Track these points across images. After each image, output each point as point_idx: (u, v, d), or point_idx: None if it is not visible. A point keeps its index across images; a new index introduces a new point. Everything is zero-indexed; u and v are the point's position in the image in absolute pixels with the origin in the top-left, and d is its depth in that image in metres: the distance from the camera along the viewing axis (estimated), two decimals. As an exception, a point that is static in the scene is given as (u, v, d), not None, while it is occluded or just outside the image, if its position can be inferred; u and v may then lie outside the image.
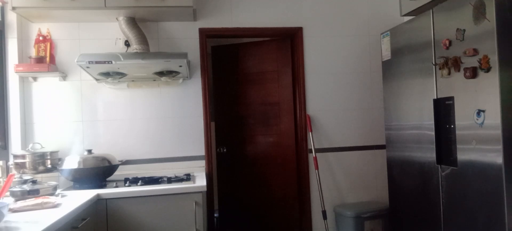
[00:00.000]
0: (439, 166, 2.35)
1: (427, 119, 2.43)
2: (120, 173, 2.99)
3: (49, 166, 2.81)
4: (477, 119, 2.03)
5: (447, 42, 2.20)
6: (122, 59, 2.67)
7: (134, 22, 2.99)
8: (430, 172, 2.42)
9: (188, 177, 2.86)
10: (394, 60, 2.76)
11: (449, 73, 2.21)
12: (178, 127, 3.20)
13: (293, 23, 3.40)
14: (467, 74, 2.06)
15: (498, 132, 1.92)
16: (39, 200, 2.11)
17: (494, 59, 1.92)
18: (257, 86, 3.76)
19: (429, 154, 2.42)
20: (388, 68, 2.84)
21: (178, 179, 2.79)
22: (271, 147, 3.71)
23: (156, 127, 3.18)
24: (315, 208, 3.40)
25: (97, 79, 3.04)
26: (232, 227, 3.88)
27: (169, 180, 2.76)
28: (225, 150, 3.89)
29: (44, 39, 3.01)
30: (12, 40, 2.91)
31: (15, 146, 2.90)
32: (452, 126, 2.22)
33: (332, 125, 3.44)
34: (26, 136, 3.00)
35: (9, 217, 1.91)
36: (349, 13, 3.48)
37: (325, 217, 3.32)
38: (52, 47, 3.03)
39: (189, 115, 3.22)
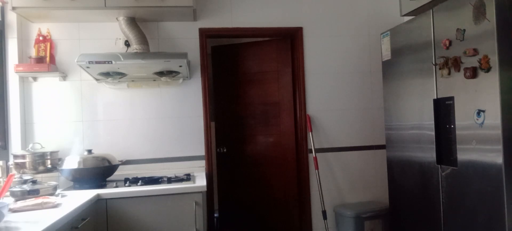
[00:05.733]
0: (439, 166, 2.35)
1: (427, 119, 2.43)
2: (120, 173, 2.99)
3: (49, 166, 2.81)
4: (477, 119, 2.03)
5: (447, 42, 2.20)
6: (122, 59, 2.67)
7: (134, 22, 2.99)
8: (430, 172, 2.42)
9: (188, 177, 2.86)
10: (394, 60, 2.76)
11: (449, 73, 2.21)
12: (178, 127, 3.20)
13: (293, 23, 3.40)
14: (467, 74, 2.06)
15: (498, 132, 1.92)
16: (39, 200, 2.11)
17: (494, 59, 1.92)
18: (257, 86, 3.76)
19: (429, 154, 2.42)
20: (388, 68, 2.84)
21: (178, 179, 2.79)
22: (271, 147, 3.71)
23: (156, 127, 3.18)
24: (315, 208, 3.40)
25: (97, 79, 3.04)
26: (232, 227, 3.88)
27: (169, 180, 2.76)
28: (225, 150, 3.89)
29: (44, 39, 3.01)
30: (12, 40, 2.91)
31: (15, 146, 2.90)
32: (452, 126, 2.22)
33: (332, 125, 3.44)
34: (26, 136, 3.00)
35: (9, 217, 1.91)
36: (349, 13, 3.48)
37: (325, 217, 3.32)
38: (52, 47, 3.03)
39: (189, 115, 3.22)
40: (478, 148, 2.04)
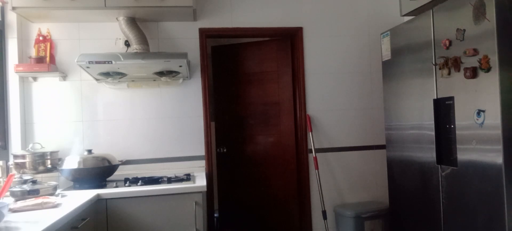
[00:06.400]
0: (439, 166, 2.35)
1: (427, 119, 2.43)
2: (120, 173, 2.99)
3: (49, 166, 2.81)
4: (477, 119, 2.03)
5: (447, 42, 2.20)
6: (122, 59, 2.67)
7: (134, 22, 2.99)
8: (430, 172, 2.42)
9: (188, 177, 2.86)
10: (394, 60, 2.76)
11: (449, 73, 2.21)
12: (178, 127, 3.20)
13: (293, 23, 3.40)
14: (467, 74, 2.06)
15: (498, 132, 1.92)
16: (39, 200, 2.11)
17: (494, 59, 1.92)
18: (257, 86, 3.76)
19: (429, 154, 2.42)
20: (388, 68, 2.84)
21: (178, 179, 2.79)
22: (271, 147, 3.71)
23: (156, 127, 3.18)
24: (315, 208, 3.40)
25: (97, 79, 3.05)
26: (232, 227, 3.88)
27: (169, 180, 2.76)
28: (225, 150, 3.89)
29: (44, 39, 3.01)
30: (12, 40, 2.91)
31: (15, 146, 2.90)
32: (452, 126, 2.22)
33: (332, 125, 3.44)
34: (26, 136, 3.00)
35: (9, 217, 1.91)
36: (349, 13, 3.48)
37: (325, 217, 3.32)
38: (52, 47, 3.03)
39: (189, 115, 3.22)
40: (478, 148, 2.04)
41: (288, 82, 3.60)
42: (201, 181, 2.69)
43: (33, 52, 2.99)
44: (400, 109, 2.72)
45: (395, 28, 2.75)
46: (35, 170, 2.77)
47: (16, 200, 2.21)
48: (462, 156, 2.15)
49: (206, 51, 3.29)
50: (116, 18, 2.98)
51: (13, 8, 2.70)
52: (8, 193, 2.24)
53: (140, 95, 3.17)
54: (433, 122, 2.38)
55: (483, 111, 1.99)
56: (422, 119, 2.48)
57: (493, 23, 1.92)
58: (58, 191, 2.54)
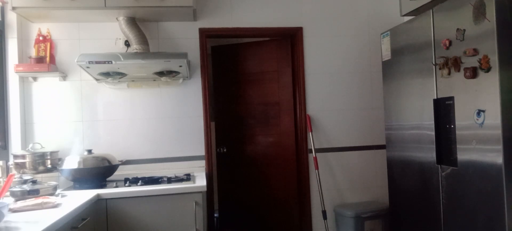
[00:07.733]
0: (439, 166, 2.35)
1: (427, 119, 2.43)
2: (120, 173, 2.99)
3: (49, 166, 2.81)
4: (477, 119, 2.03)
5: (447, 42, 2.20)
6: (122, 59, 2.67)
7: (134, 22, 2.99)
8: (430, 172, 2.42)
9: (188, 177, 2.86)
10: (394, 60, 2.76)
11: (449, 73, 2.21)
12: (178, 127, 3.21)
13: (293, 23, 3.40)
14: (467, 74, 2.06)
15: (498, 132, 1.92)
16: (39, 200, 2.11)
17: (494, 59, 1.92)
18: (257, 86, 3.76)
19: (429, 154, 2.42)
20: (388, 68, 2.84)
21: (178, 179, 2.79)
22: (271, 147, 3.71)
23: (156, 127, 3.18)
24: (315, 208, 3.40)
25: (97, 79, 3.05)
26: (232, 227, 3.88)
27: (169, 180, 2.76)
28: (225, 150, 3.89)
29: (44, 39, 3.01)
30: (12, 40, 2.91)
31: (15, 146, 2.90)
32: (452, 126, 2.22)
33: (332, 125, 3.44)
34: (26, 136, 3.00)
35: (9, 217, 1.92)
36: (349, 13, 3.48)
37: (325, 217, 3.32)
38: (52, 47, 3.03)
39: (189, 115, 3.22)
40: (478, 148, 2.04)
41: (288, 82, 3.60)
42: (201, 181, 2.69)
43: (33, 52, 2.99)
44: (400, 109, 2.72)
45: (395, 28, 2.75)
46: (35, 170, 2.77)
47: (16, 200, 2.21)
48: (462, 156, 2.15)
49: (206, 51, 3.29)
50: (116, 18, 2.98)
51: (13, 8, 2.70)
52: (8, 193, 2.24)
53: (140, 95, 3.17)
54: (433, 122, 2.38)
55: (483, 111, 1.99)
56: (422, 119, 2.48)
57: (493, 23, 1.92)
58: (58, 191, 2.54)
